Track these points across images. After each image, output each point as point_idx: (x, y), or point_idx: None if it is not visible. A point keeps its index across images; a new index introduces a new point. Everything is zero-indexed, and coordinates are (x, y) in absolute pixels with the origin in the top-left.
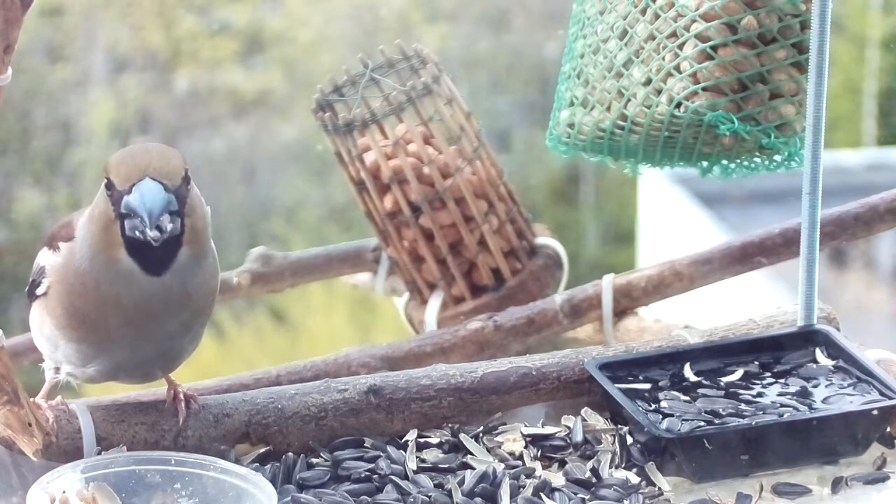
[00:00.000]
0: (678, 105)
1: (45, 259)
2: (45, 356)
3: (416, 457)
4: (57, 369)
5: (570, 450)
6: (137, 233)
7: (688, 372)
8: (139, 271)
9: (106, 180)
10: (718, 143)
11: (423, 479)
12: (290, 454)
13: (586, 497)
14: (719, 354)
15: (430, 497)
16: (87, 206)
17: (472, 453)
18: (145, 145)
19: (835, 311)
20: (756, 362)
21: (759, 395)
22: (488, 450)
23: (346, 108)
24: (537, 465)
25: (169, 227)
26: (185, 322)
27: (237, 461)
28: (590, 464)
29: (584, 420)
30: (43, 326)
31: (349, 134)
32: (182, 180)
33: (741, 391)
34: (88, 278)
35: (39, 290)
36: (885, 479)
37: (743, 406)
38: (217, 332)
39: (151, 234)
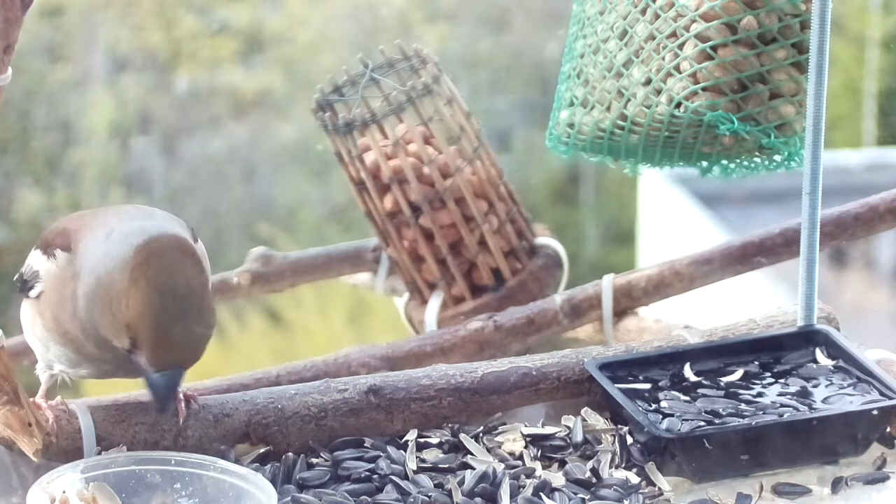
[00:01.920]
0: (678, 105)
1: (40, 263)
2: (38, 355)
3: (416, 457)
4: (50, 367)
5: (570, 450)
6: (147, 390)
7: (688, 372)
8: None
9: (129, 336)
10: (718, 143)
11: (423, 479)
12: (290, 454)
13: (586, 497)
14: (719, 354)
15: (430, 497)
16: (88, 210)
17: (472, 453)
18: (182, 303)
19: (835, 311)
20: (756, 362)
21: (759, 395)
22: (488, 450)
23: (346, 108)
24: (537, 465)
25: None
26: None
27: (237, 461)
28: (590, 464)
29: (584, 420)
30: (34, 326)
31: (349, 134)
32: None
33: (741, 391)
34: (85, 326)
35: (32, 294)
36: (885, 479)
37: (743, 406)
38: (217, 332)
39: (163, 413)
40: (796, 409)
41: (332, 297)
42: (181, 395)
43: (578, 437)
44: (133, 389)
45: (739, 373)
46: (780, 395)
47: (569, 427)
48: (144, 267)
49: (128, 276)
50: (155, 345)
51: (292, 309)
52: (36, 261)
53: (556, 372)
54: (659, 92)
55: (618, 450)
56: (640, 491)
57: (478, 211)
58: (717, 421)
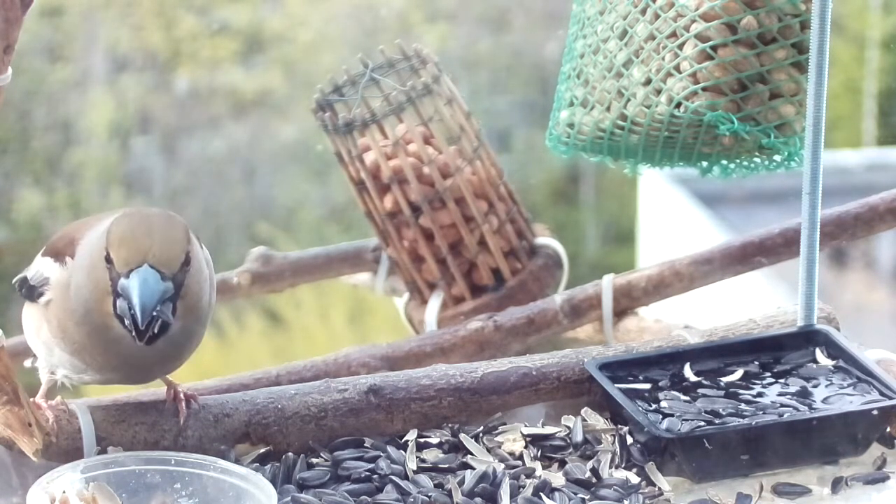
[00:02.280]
0: (678, 105)
1: (51, 271)
2: (41, 358)
3: (416, 457)
4: (53, 371)
5: (570, 450)
6: (126, 321)
7: (688, 372)
8: (129, 339)
9: (106, 252)
10: (718, 143)
11: (423, 479)
12: (290, 454)
13: (586, 497)
14: (719, 354)
15: (430, 497)
16: (88, 216)
17: (472, 453)
18: (150, 221)
19: (835, 311)
20: (756, 362)
21: (759, 395)
22: (488, 450)
23: (346, 108)
24: (537, 465)
25: (160, 319)
26: (179, 362)
27: (237, 461)
28: (590, 464)
29: (584, 420)
30: (40, 331)
31: (349, 134)
32: (181, 265)
33: (741, 391)
34: (81, 322)
35: (42, 301)
36: (885, 479)
37: (743, 406)
38: (217, 332)
39: (141, 326)
40: (796, 409)
41: (333, 297)
42: (182, 395)
43: (578, 437)
44: (133, 390)
45: (739, 373)
46: (780, 395)
47: (569, 427)
48: (121, 215)
49: (107, 229)
50: (120, 243)
51: (292, 309)
52: (47, 268)
53: (556, 372)
54: (659, 92)
55: (618, 450)
56: (640, 491)
57: (478, 211)
58: (717, 421)
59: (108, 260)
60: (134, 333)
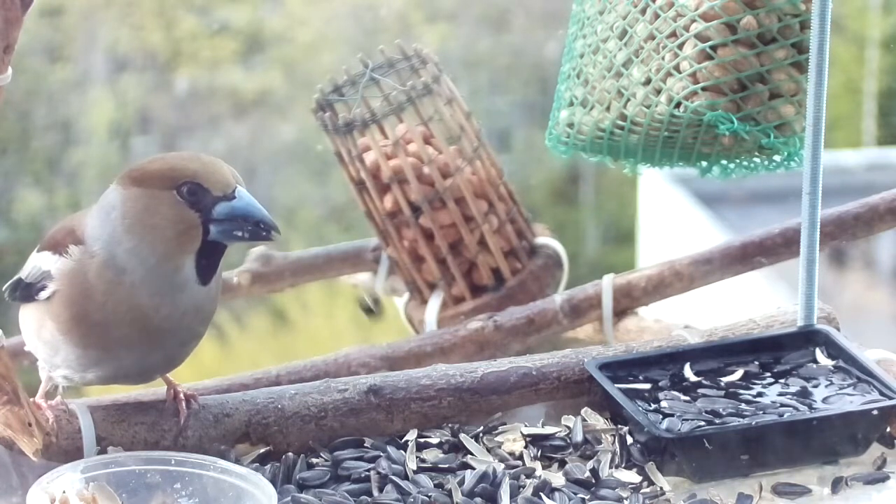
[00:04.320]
0: (678, 105)
1: (50, 263)
2: (42, 360)
3: (416, 457)
4: (52, 373)
5: (570, 450)
6: (242, 233)
7: (688, 372)
8: (194, 280)
9: (188, 185)
10: (718, 142)
11: (423, 479)
12: (290, 454)
13: (586, 497)
14: (719, 354)
15: (430, 497)
16: (86, 209)
17: (472, 453)
18: (190, 154)
19: (835, 311)
20: (756, 362)
21: (759, 395)
22: (488, 450)
23: (346, 108)
24: (537, 465)
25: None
26: (200, 327)
27: (237, 461)
28: (590, 464)
29: (584, 420)
30: (42, 331)
31: (349, 134)
32: None
33: (741, 391)
34: (121, 288)
35: (43, 295)
36: (885, 479)
37: (743, 406)
38: (217, 332)
39: (278, 230)
40: (796, 409)
41: (334, 297)
42: (182, 395)
43: (578, 437)
44: (133, 390)
45: (739, 373)
46: (781, 395)
47: (569, 427)
48: (159, 157)
49: (142, 171)
50: (209, 171)
51: (293, 309)
52: (44, 262)
53: (556, 372)
54: (659, 92)
55: (618, 450)
56: (641, 491)
57: (478, 211)
58: (717, 421)
59: (191, 193)
60: (268, 234)
